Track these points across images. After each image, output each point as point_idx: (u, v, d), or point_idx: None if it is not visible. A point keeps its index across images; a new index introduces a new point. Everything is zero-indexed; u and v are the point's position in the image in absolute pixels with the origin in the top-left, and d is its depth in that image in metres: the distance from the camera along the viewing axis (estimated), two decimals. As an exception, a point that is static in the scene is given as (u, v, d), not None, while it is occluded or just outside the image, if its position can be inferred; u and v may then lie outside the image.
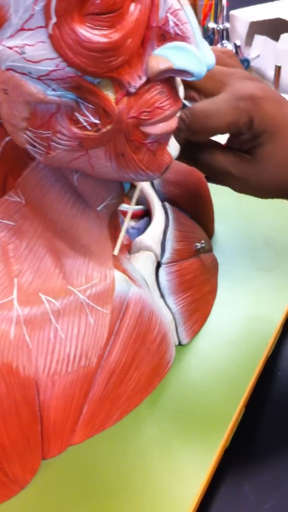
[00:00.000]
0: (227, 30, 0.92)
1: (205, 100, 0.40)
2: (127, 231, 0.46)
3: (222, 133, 0.40)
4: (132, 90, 0.31)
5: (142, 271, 0.44)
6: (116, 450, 0.38)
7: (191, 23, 0.30)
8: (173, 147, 0.37)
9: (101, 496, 0.36)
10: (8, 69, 0.29)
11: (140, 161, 0.33)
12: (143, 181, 0.48)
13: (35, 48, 0.28)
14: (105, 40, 0.28)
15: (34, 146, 0.33)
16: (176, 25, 0.30)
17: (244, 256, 0.55)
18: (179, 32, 0.30)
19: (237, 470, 0.39)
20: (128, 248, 0.45)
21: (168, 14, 0.30)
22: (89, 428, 0.39)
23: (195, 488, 0.36)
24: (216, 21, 0.92)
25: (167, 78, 0.32)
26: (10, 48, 0.29)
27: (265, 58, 0.89)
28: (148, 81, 0.31)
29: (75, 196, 0.37)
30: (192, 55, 0.30)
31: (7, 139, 0.35)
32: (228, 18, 0.95)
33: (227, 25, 0.92)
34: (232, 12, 0.95)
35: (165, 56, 0.30)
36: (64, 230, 0.38)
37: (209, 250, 0.54)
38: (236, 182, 0.42)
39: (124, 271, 0.41)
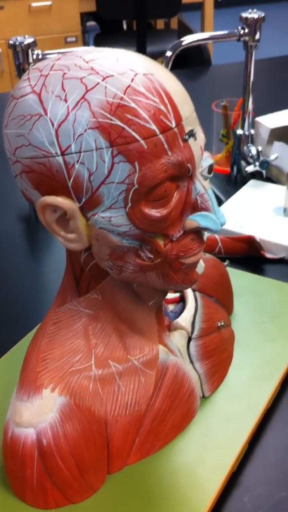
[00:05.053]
0: (252, 135, 1.12)
1: None
2: (167, 314, 0.65)
3: None
4: (174, 239, 0.50)
5: (177, 344, 0.62)
6: (156, 470, 0.56)
7: (211, 200, 0.50)
8: (200, 267, 0.56)
9: (145, 501, 0.53)
10: (100, 228, 0.49)
11: (178, 279, 0.52)
12: (179, 290, 0.67)
13: (117, 219, 0.48)
14: (159, 215, 0.48)
15: (111, 269, 0.52)
16: (202, 202, 0.49)
17: (254, 328, 0.73)
18: (203, 206, 0.49)
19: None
20: (168, 328, 0.64)
21: (198, 196, 0.49)
22: (139, 453, 0.57)
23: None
24: (243, 128, 1.12)
25: (196, 231, 0.51)
26: (103, 217, 0.48)
27: (282, 160, 1.08)
28: (184, 233, 0.50)
29: (134, 296, 0.56)
30: (211, 219, 0.50)
31: (93, 261, 0.54)
32: (253, 125, 1.15)
33: (252, 131, 1.12)
34: (257, 119, 1.16)
35: (195, 220, 0.50)
36: (126, 317, 0.57)
37: (228, 325, 0.72)
38: None
39: (165, 345, 0.60)
